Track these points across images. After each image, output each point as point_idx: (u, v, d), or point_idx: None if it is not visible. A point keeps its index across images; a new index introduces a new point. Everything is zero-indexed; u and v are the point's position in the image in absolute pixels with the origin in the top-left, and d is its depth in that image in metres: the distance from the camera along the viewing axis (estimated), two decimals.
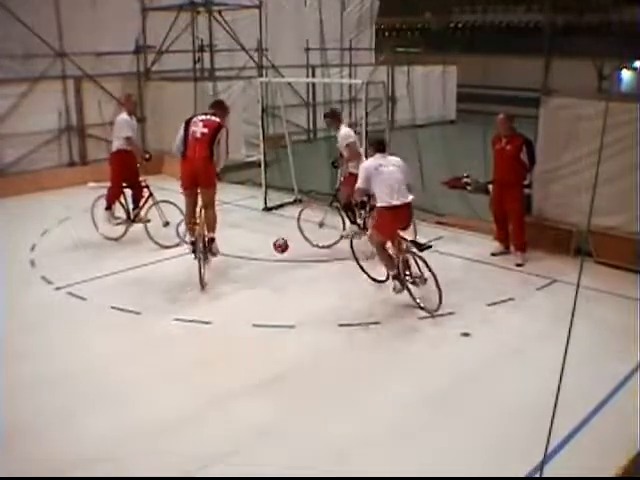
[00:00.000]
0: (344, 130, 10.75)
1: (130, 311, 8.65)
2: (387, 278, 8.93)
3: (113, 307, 8.79)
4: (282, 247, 9.77)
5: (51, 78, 15.72)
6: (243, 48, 17.65)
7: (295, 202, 13.05)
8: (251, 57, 18.04)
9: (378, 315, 8.45)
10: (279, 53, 19.21)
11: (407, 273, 8.67)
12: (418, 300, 8.56)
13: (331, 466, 5.48)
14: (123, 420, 6.22)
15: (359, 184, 8.69)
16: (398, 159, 8.72)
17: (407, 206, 8.56)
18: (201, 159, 9.44)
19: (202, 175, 9.46)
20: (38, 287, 9.63)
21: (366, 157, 9.52)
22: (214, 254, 9.73)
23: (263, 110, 13.45)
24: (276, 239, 9.78)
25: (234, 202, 13.78)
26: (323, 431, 6.04)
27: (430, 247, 8.45)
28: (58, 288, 9.53)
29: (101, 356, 7.53)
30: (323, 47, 21.36)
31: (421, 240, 8.66)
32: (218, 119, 9.63)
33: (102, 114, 15.74)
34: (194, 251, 9.52)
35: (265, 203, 13.06)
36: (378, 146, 8.82)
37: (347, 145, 10.52)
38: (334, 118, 11.00)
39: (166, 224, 11.15)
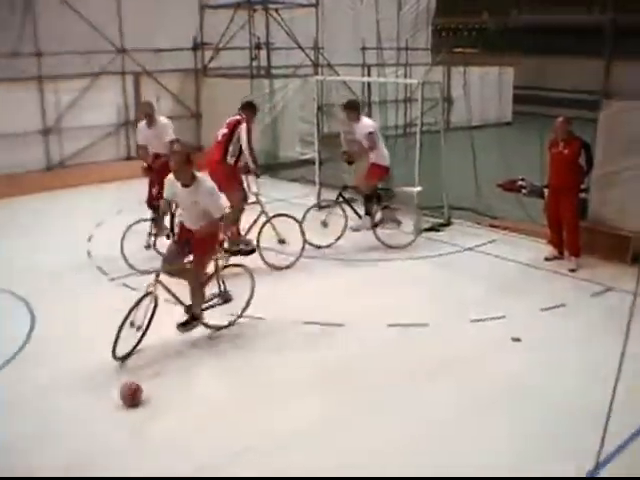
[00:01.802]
0: (365, 120, 10.78)
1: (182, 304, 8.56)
2: None
3: (166, 300, 8.74)
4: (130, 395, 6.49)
5: (111, 74, 16.02)
6: (299, 46, 17.73)
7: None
8: (307, 55, 18.08)
9: (428, 317, 8.28)
10: (335, 52, 19.14)
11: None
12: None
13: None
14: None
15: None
16: None
17: None
18: (214, 162, 9.83)
19: (216, 179, 9.43)
20: (94, 278, 9.79)
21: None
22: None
23: (319, 108, 13.48)
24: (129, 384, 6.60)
25: (287, 199, 13.76)
26: (373, 431, 5.99)
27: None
28: (113, 279, 9.71)
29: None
30: (379, 46, 21.25)
31: None
32: (238, 116, 9.91)
33: (160, 109, 15.90)
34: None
35: (318, 201, 13.06)
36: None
37: (370, 133, 10.48)
38: (354, 109, 10.82)
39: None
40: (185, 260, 7.65)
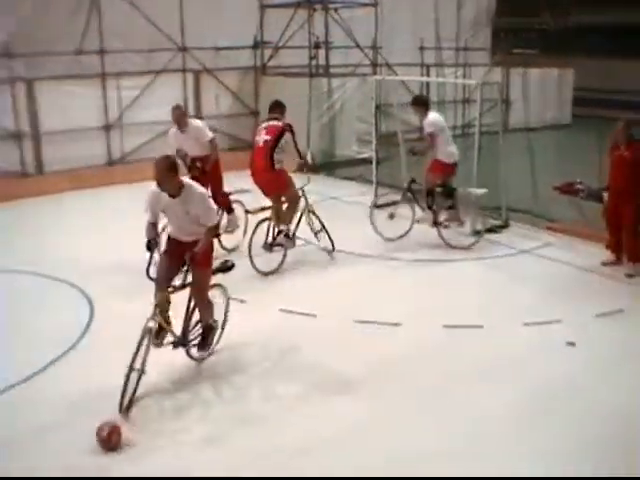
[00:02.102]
0: (432, 115, 10.68)
1: (238, 300, 8.50)
2: None
3: None
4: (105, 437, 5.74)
5: (172, 71, 16.22)
6: (358, 46, 17.70)
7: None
8: (366, 55, 18.07)
9: (482, 319, 8.13)
10: (394, 51, 19.14)
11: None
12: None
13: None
14: None
15: None
16: None
17: None
18: (261, 170, 9.64)
19: (267, 186, 9.71)
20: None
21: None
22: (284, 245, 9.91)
23: (377, 108, 13.39)
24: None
25: (343, 197, 13.82)
26: (422, 431, 5.98)
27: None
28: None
29: None
30: (438, 46, 21.08)
31: None
32: (280, 123, 9.74)
33: (219, 106, 16.14)
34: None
35: (375, 200, 12.96)
36: None
37: (429, 133, 10.49)
38: (421, 105, 10.81)
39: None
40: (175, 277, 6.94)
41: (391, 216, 11.02)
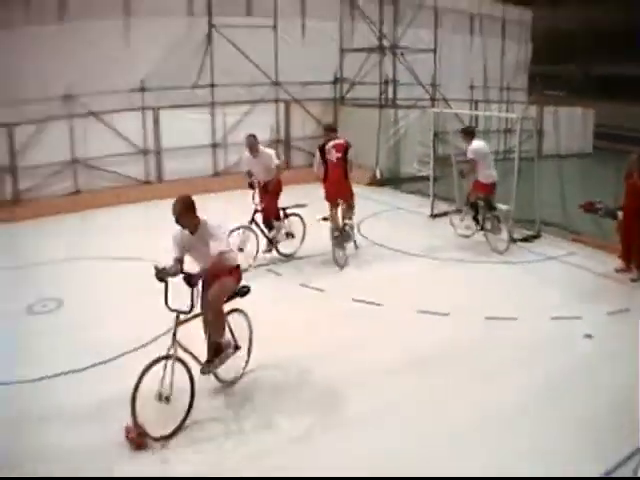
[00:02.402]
0: (476, 144, 10.23)
1: (317, 289, 8.49)
2: None
3: (302, 284, 8.69)
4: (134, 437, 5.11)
5: (267, 101, 15.72)
6: (420, 83, 16.92)
7: (457, 211, 12.02)
8: (426, 91, 17.28)
9: (516, 312, 7.76)
10: (449, 88, 18.26)
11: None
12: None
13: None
14: None
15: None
16: None
17: None
18: (340, 181, 9.63)
19: (342, 192, 9.70)
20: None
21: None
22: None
23: (435, 135, 12.73)
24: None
25: (406, 208, 13.21)
26: (458, 412, 5.68)
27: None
28: (259, 265, 9.46)
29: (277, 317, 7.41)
30: (485, 85, 20.28)
31: None
32: (342, 140, 9.77)
33: (304, 130, 15.49)
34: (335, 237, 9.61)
35: (432, 211, 12.29)
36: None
37: (471, 158, 10.17)
38: (468, 134, 10.42)
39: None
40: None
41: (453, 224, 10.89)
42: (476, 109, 19.12)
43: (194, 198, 5.73)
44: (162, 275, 5.37)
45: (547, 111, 20.43)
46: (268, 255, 9.74)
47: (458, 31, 19.14)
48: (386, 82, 16.42)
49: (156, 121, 14.79)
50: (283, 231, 9.83)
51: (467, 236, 10.76)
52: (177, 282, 5.39)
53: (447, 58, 18.08)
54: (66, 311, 8.00)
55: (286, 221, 9.79)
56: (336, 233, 9.60)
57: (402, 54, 16.48)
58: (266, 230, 9.67)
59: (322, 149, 9.69)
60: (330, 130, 10.06)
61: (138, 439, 5.03)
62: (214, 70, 15.05)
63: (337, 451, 5.08)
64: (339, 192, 9.65)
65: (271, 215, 9.64)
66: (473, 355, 6.75)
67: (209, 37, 15.06)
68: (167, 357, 5.23)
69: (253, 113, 15.37)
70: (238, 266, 6.08)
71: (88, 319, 7.56)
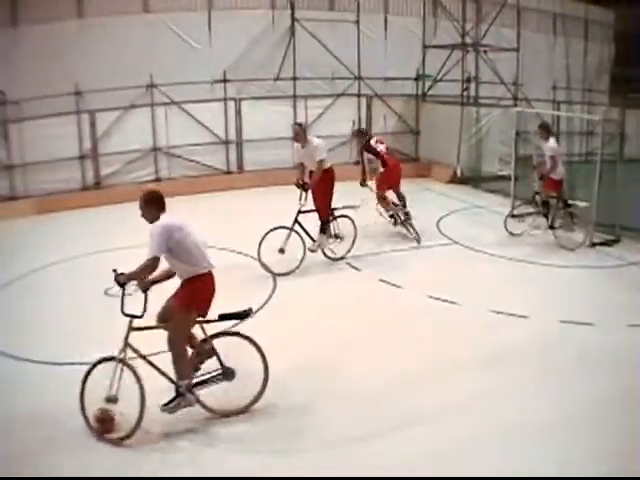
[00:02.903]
0: (553, 141, 10.22)
1: (394, 285, 8.49)
2: None
3: (381, 280, 8.68)
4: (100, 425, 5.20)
5: (349, 95, 15.74)
6: (502, 82, 16.68)
7: (536, 212, 11.56)
8: (509, 90, 17.00)
9: (592, 317, 7.47)
10: (531, 88, 17.98)
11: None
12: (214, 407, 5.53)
13: None
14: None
15: None
16: None
17: None
18: (399, 165, 10.88)
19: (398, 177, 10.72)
20: (321, 256, 9.54)
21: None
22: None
23: (516, 134, 12.49)
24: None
25: (486, 207, 13.02)
26: (524, 409, 5.57)
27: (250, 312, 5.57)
28: (340, 258, 9.53)
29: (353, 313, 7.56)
30: (568, 86, 19.78)
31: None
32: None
33: (385, 125, 15.51)
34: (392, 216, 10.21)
35: (511, 211, 12.02)
36: None
37: (550, 156, 10.11)
38: (545, 129, 10.43)
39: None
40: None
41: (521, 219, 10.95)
42: (558, 110, 18.84)
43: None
44: (120, 280, 5.10)
45: (629, 114, 20.11)
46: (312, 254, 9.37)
47: (540, 30, 18.81)
48: (468, 80, 16.26)
49: (238, 112, 15.05)
50: (329, 234, 9.44)
51: (534, 235, 10.63)
52: None
53: (529, 57, 17.78)
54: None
55: (334, 222, 9.45)
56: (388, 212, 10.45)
57: (485, 52, 16.34)
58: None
59: (368, 148, 10.49)
60: (365, 133, 11.08)
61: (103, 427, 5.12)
62: (296, 63, 15.20)
63: (402, 449, 5.00)
64: (400, 175, 10.71)
65: (320, 215, 9.28)
66: (546, 357, 6.58)
67: (292, 31, 15.26)
68: (113, 359, 5.08)
69: (335, 107, 15.46)
70: (202, 275, 5.33)
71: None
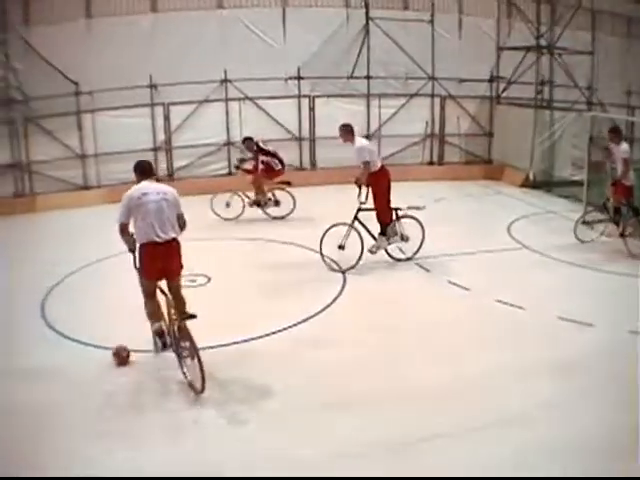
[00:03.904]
0: (625, 145, 10.28)
1: (461, 286, 8.62)
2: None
3: (449, 281, 8.86)
4: (120, 357, 6.57)
5: (422, 96, 16.03)
6: (576, 86, 16.76)
7: (609, 219, 11.55)
8: (583, 94, 17.06)
9: None
10: (605, 92, 17.94)
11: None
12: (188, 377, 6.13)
13: None
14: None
15: None
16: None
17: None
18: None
19: None
20: (395, 256, 9.77)
21: None
22: None
23: (590, 139, 12.60)
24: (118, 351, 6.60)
25: (558, 212, 13.12)
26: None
27: (194, 317, 6.01)
28: (409, 258, 9.75)
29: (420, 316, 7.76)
30: None
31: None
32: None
33: (459, 127, 15.74)
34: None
35: (584, 216, 11.87)
36: None
37: (624, 159, 10.15)
38: (617, 134, 10.52)
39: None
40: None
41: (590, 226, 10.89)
42: (632, 115, 18.88)
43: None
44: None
45: None
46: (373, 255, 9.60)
47: (615, 34, 18.72)
48: (542, 82, 16.39)
49: (312, 109, 15.47)
50: (390, 235, 9.54)
51: (604, 242, 10.67)
52: None
53: (603, 61, 17.75)
54: (214, 286, 8.83)
55: (398, 223, 9.56)
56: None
57: (560, 55, 16.46)
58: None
59: (261, 150, 12.29)
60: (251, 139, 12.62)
61: (123, 358, 6.45)
62: (370, 62, 15.54)
63: (451, 457, 5.07)
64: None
65: (380, 217, 9.40)
66: (612, 366, 6.46)
67: (366, 29, 15.63)
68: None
69: (408, 107, 15.76)
70: (142, 245, 6.05)
71: (231, 295, 8.39)
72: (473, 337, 7.20)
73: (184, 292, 6.38)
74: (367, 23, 15.61)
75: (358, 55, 15.51)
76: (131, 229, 6.11)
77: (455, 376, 6.27)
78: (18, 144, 15.84)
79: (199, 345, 5.91)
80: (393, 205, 9.51)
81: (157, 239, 5.95)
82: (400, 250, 9.81)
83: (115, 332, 6.95)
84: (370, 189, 9.27)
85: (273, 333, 7.19)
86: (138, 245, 6.06)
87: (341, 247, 9.16)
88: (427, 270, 9.37)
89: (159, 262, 6.03)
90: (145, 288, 6.20)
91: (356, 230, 9.25)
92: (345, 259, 9.33)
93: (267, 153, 12.54)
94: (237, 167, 13.10)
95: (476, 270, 9.40)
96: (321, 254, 9.36)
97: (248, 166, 12.77)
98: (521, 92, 16.57)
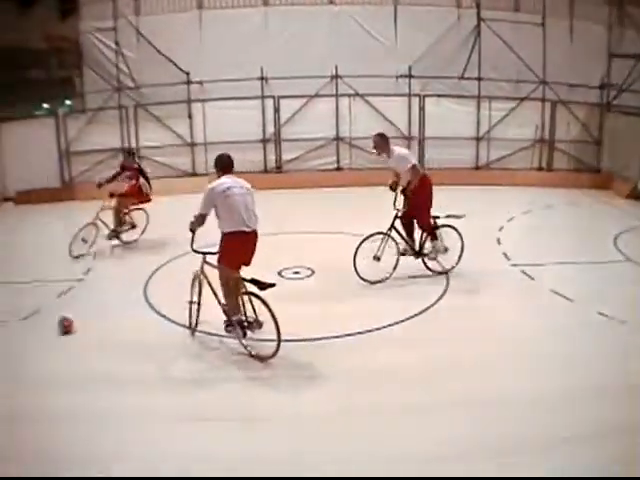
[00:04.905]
0: None
1: (564, 296, 8.54)
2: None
3: (553, 290, 8.77)
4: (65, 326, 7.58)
5: (533, 100, 16.21)
6: None
7: None
8: None
9: None
10: None
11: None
12: (249, 348, 6.89)
13: None
14: None
15: None
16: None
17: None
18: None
19: None
20: (497, 261, 9.98)
21: None
22: None
23: None
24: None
25: None
26: None
27: (273, 285, 6.61)
28: (514, 265, 9.80)
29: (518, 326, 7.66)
30: None
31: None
32: None
33: (568, 133, 15.98)
34: None
35: None
36: None
37: None
38: None
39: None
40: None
41: None
42: None
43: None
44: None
45: None
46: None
47: None
48: None
49: (422, 108, 15.86)
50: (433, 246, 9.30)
51: None
52: None
53: None
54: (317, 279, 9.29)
55: (438, 233, 9.29)
56: None
57: None
58: (408, 238, 9.27)
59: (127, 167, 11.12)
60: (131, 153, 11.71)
61: (68, 327, 7.48)
62: (482, 63, 15.77)
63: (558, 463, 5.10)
64: None
65: (420, 224, 9.21)
66: None
67: (477, 30, 15.94)
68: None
69: (519, 110, 15.93)
70: (230, 234, 6.69)
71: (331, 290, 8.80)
72: (572, 349, 7.11)
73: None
74: (478, 23, 15.88)
75: (469, 56, 15.78)
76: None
77: (550, 388, 6.22)
78: (128, 129, 16.65)
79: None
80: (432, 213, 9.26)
81: (246, 229, 6.61)
82: (438, 262, 9.47)
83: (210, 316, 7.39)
84: (413, 196, 9.00)
85: (369, 331, 7.45)
86: (225, 234, 6.66)
87: (377, 258, 8.94)
88: (531, 278, 9.34)
89: (244, 250, 6.69)
90: (226, 276, 6.71)
91: (392, 239, 9.10)
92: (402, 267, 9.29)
93: (144, 173, 11.37)
94: (100, 185, 10.99)
95: (580, 281, 9.35)
96: (354, 265, 9.01)
97: (124, 184, 11.09)
98: (633, 100, 16.68)
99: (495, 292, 8.78)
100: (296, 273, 9.43)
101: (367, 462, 5.14)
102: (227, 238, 6.66)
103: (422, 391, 6.20)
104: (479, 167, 15.93)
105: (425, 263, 9.30)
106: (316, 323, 7.62)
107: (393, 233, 9.07)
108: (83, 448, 5.33)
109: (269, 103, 16.15)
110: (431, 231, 9.11)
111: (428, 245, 9.21)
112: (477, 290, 8.90)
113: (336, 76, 15.88)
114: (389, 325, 7.60)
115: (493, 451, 5.24)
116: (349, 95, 15.83)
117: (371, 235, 8.98)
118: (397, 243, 9.13)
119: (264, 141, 16.14)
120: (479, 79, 15.79)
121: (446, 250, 9.25)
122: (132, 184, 10.96)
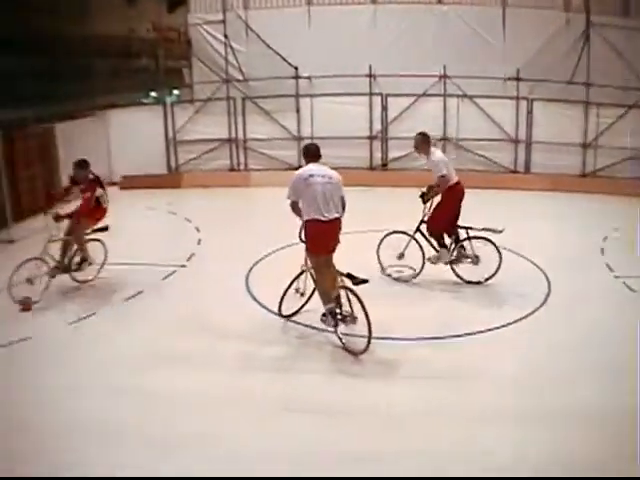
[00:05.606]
0: None
1: None
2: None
3: None
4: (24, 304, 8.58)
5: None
6: None
7: None
8: None
9: None
10: None
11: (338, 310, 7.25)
12: (343, 340, 7.29)
13: None
14: None
15: None
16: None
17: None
18: None
19: None
20: (599, 272, 9.90)
21: None
22: None
23: None
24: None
25: None
26: None
27: (366, 281, 7.01)
28: (617, 277, 9.65)
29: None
30: None
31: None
32: None
33: None
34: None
35: None
36: None
37: None
38: None
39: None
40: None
41: None
42: None
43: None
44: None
45: None
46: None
47: None
48: None
49: (530, 112, 16.18)
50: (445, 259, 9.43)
51: None
52: None
53: None
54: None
55: (469, 243, 9.30)
56: None
57: None
58: (434, 242, 9.42)
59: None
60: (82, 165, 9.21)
61: (26, 306, 8.50)
62: (590, 68, 15.87)
63: None
64: None
65: (433, 229, 9.31)
66: None
67: (586, 35, 16.14)
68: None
69: (628, 117, 15.83)
70: (308, 222, 7.15)
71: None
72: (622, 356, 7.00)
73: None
74: (587, 28, 16.02)
75: (578, 60, 15.89)
76: None
77: (627, 406, 6.03)
78: (235, 121, 17.37)
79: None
80: (465, 224, 9.30)
81: (322, 218, 6.97)
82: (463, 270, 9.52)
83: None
84: (438, 200, 9.27)
85: (457, 336, 7.66)
86: (305, 221, 7.12)
87: (401, 256, 9.47)
88: (632, 290, 9.11)
89: (322, 238, 7.09)
90: (314, 263, 7.29)
91: (417, 241, 9.43)
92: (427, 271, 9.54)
93: (101, 183, 9.44)
94: (48, 198, 9.81)
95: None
96: (378, 259, 9.68)
97: (71, 203, 9.64)
98: None
99: (595, 304, 8.64)
100: (399, 271, 9.68)
101: (446, 462, 5.33)
102: (307, 225, 7.13)
103: (516, 398, 6.29)
104: (585, 174, 16.15)
105: (454, 270, 9.45)
106: (400, 323, 7.93)
107: (418, 236, 9.44)
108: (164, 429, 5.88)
109: (376, 100, 16.67)
110: (438, 238, 9.33)
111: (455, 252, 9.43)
112: (578, 297, 8.90)
113: (444, 76, 16.30)
114: (488, 330, 7.77)
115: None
116: (457, 95, 16.25)
117: (392, 232, 9.56)
118: (421, 247, 9.44)
119: (371, 138, 16.70)
120: (587, 84, 15.95)
121: (477, 261, 9.30)
122: (87, 197, 9.01)
